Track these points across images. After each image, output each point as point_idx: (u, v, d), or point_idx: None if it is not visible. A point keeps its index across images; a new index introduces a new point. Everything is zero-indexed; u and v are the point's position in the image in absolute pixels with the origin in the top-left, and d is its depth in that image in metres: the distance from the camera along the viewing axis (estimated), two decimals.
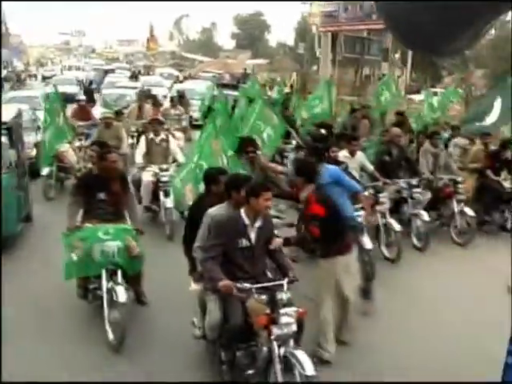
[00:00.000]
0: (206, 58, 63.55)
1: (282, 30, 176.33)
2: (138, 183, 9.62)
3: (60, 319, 6.40)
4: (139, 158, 9.89)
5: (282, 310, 4.88)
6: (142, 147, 10.04)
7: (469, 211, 9.61)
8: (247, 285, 4.98)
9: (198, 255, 5.58)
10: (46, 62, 74.77)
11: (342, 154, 8.88)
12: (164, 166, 9.58)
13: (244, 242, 5.22)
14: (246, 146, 7.96)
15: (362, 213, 7.34)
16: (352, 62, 32.74)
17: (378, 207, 8.40)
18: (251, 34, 72.15)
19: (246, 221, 5.22)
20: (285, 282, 5.10)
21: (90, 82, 29.94)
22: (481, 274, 8.29)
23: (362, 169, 9.21)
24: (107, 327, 5.95)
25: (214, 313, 5.25)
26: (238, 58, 60.03)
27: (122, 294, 5.88)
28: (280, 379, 4.84)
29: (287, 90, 24.60)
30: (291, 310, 4.92)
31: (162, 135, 10.14)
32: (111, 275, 6.15)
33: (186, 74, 44.10)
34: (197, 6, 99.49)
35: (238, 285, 4.97)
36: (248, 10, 75.52)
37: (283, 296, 5.01)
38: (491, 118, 11.98)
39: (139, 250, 6.33)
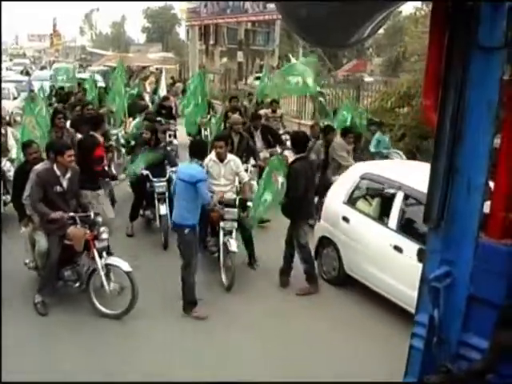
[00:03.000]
0: (115, 52, 62.81)
1: None
2: None
3: None
4: None
5: (102, 229, 6.71)
6: None
7: None
8: (72, 213, 6.70)
9: (27, 202, 6.97)
10: None
11: (209, 158, 8.09)
12: None
13: (59, 189, 6.81)
14: (56, 117, 9.94)
15: None
16: (247, 53, 33.95)
17: None
18: (161, 27, 71.81)
19: (58, 173, 6.80)
20: (92, 213, 6.88)
21: None
22: None
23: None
24: None
25: (41, 243, 6.83)
26: (149, 51, 59.71)
27: None
28: (105, 284, 6.58)
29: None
30: (105, 228, 6.76)
31: (1, 130, 10.23)
32: None
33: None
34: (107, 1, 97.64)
35: (65, 215, 6.59)
36: (158, 3, 74.74)
37: (99, 218, 6.85)
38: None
39: None
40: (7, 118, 14.72)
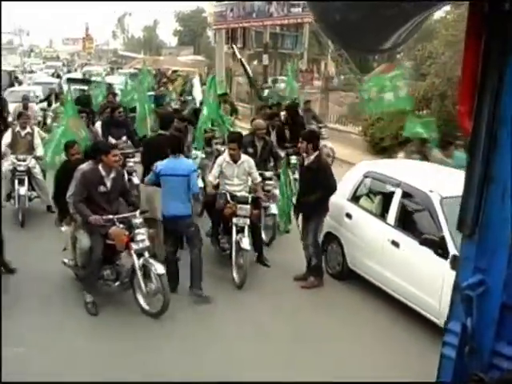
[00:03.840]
0: (147, 55, 63.40)
1: None
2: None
3: None
4: (2, 148, 10.12)
5: (137, 230, 6.79)
6: (7, 138, 10.41)
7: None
8: (110, 216, 6.85)
9: (71, 200, 7.10)
10: None
11: (223, 158, 8.29)
12: (21, 157, 10.08)
13: (102, 188, 6.97)
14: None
15: None
16: (274, 56, 34.10)
17: None
18: (193, 30, 72.24)
19: (103, 173, 6.99)
20: (137, 212, 7.02)
21: None
22: None
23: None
24: None
25: (84, 242, 7.01)
26: (180, 54, 60.15)
27: None
28: (142, 283, 6.76)
29: None
30: (143, 230, 6.86)
31: (28, 129, 10.58)
32: None
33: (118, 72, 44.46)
34: (140, 4, 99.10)
35: (104, 217, 6.78)
36: (190, 6, 75.32)
37: (137, 220, 6.88)
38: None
39: None
40: (39, 118, 15.89)
